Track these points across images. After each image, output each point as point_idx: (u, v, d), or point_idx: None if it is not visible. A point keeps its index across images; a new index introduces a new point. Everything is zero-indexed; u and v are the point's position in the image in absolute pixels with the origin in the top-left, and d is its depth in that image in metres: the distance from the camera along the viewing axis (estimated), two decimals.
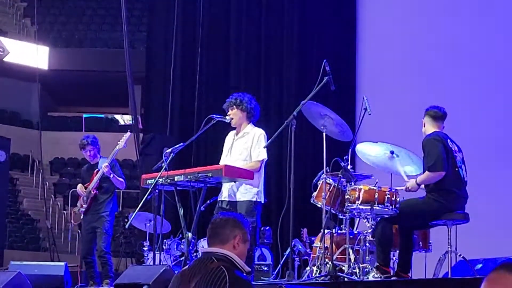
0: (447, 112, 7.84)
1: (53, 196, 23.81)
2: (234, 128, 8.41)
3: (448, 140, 7.63)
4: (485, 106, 12.06)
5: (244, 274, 4.21)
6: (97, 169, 9.91)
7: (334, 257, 7.60)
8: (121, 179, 9.80)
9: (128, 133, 10.02)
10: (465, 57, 12.38)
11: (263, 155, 8.12)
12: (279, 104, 14.01)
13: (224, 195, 8.17)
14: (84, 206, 9.90)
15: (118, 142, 9.83)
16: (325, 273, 7.35)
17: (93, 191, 9.82)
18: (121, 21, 14.31)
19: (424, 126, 7.80)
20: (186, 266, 4.48)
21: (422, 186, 7.72)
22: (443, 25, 12.68)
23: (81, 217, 9.97)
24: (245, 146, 8.18)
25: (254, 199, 8.03)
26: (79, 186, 10.09)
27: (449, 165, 7.50)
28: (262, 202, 8.18)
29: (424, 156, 7.63)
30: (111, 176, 9.70)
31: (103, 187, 9.87)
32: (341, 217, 8.19)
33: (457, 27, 12.55)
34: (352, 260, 7.71)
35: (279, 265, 9.73)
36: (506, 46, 12.10)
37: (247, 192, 8.04)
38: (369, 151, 8.27)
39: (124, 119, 28.03)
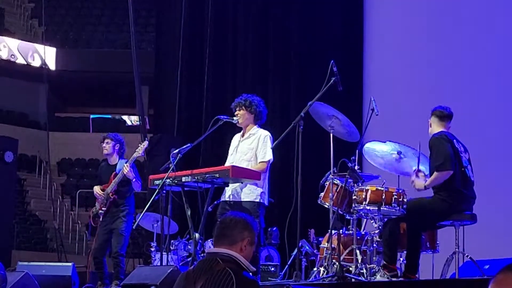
0: (453, 112, 7.84)
1: (60, 196, 23.85)
2: (240, 129, 8.42)
3: (454, 140, 7.63)
4: (494, 106, 12.04)
5: (251, 274, 4.20)
6: (114, 172, 9.88)
7: (341, 258, 7.60)
8: (139, 182, 9.79)
9: (146, 142, 9.98)
10: (474, 57, 12.35)
11: (269, 156, 8.13)
12: (285, 105, 14.01)
13: (227, 195, 8.17)
14: (103, 208, 9.87)
15: (136, 150, 9.79)
16: (332, 274, 7.34)
17: (112, 195, 9.79)
18: (128, 21, 14.35)
19: (431, 126, 7.81)
20: (191, 267, 4.46)
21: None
22: (451, 25, 12.66)
23: (100, 219, 9.93)
24: (250, 146, 8.19)
25: (258, 200, 8.04)
26: (97, 188, 10.02)
27: (456, 165, 7.50)
28: (266, 204, 8.18)
29: (431, 156, 7.62)
30: (133, 180, 9.68)
31: (121, 191, 9.85)
32: (348, 217, 8.19)
33: (465, 27, 12.53)
34: (360, 260, 7.71)
35: (286, 266, 9.72)
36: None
37: (250, 193, 8.05)
38: (377, 150, 8.26)
39: (132, 119, 28.07)
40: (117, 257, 9.70)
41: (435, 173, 7.52)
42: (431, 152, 7.60)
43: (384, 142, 8.22)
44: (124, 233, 9.74)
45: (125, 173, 9.63)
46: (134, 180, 9.68)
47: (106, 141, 10.03)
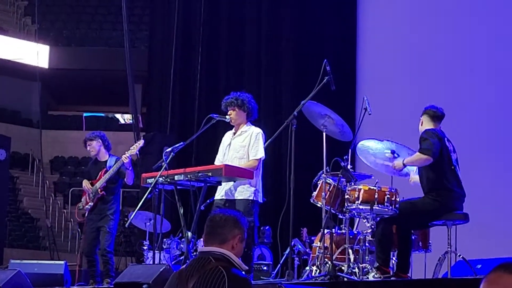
0: (446, 111, 7.85)
1: (53, 195, 23.80)
2: (232, 127, 8.40)
3: (445, 139, 7.64)
4: (485, 106, 12.06)
5: (243, 272, 4.20)
6: (105, 168, 9.86)
7: (334, 257, 7.60)
8: (133, 174, 9.77)
9: (142, 141, 9.92)
10: (466, 57, 12.38)
11: (261, 153, 8.09)
12: (278, 103, 14.02)
13: (221, 193, 8.15)
14: (90, 204, 9.86)
15: (130, 148, 9.75)
16: (325, 273, 7.35)
17: (100, 191, 9.77)
18: (122, 20, 14.33)
19: (421, 124, 7.82)
20: (184, 266, 4.46)
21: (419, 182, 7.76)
22: (443, 24, 12.68)
23: (86, 215, 9.93)
24: (243, 144, 8.17)
25: (252, 198, 8.01)
26: (85, 182, 10.02)
27: (445, 163, 7.51)
28: (260, 201, 8.17)
29: (419, 143, 7.63)
30: (130, 168, 9.65)
31: (109, 187, 9.83)
32: (341, 217, 8.19)
33: (458, 27, 12.55)
34: (352, 260, 7.71)
35: (279, 265, 9.74)
36: (506, 47, 12.09)
37: (244, 191, 8.02)
38: (371, 147, 8.24)
39: (125, 118, 28.04)
40: (105, 254, 9.70)
41: (417, 153, 7.55)
42: (420, 140, 7.61)
43: (381, 141, 8.21)
44: (112, 231, 9.74)
45: (125, 162, 9.59)
46: (130, 169, 9.65)
47: (88, 143, 9.98)
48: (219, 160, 8.29)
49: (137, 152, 9.83)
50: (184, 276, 4.21)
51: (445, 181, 7.49)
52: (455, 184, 7.55)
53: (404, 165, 7.65)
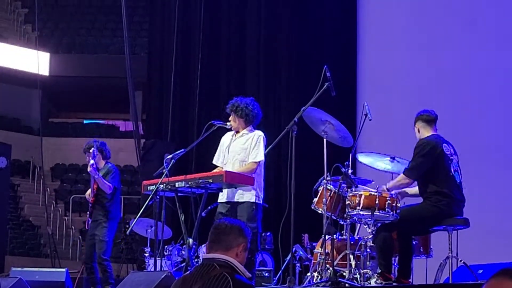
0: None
1: (54, 202, 23.80)
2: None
3: (444, 144, 7.63)
4: (486, 109, 12.06)
5: (247, 279, 4.22)
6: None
7: (335, 263, 7.60)
8: (108, 184, 9.71)
9: (93, 149, 9.83)
10: (467, 60, 12.37)
11: (260, 156, 8.05)
12: (278, 109, 14.02)
13: (224, 197, 8.14)
14: (88, 212, 9.94)
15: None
16: (326, 279, 7.35)
17: (92, 200, 9.82)
18: (122, 26, 14.33)
19: (419, 132, 7.79)
20: (188, 272, 4.46)
21: (416, 190, 7.75)
22: (445, 29, 12.68)
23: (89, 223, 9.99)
24: (244, 146, 8.14)
25: (254, 200, 8.00)
26: (88, 191, 10.05)
27: (443, 170, 7.50)
28: (262, 204, 8.15)
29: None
30: (96, 177, 9.64)
31: (98, 196, 9.84)
32: (342, 223, 8.19)
33: (460, 29, 12.55)
34: (353, 265, 7.71)
35: (280, 271, 9.73)
36: (505, 50, 12.10)
37: (246, 194, 8.00)
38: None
39: (125, 125, 28.04)
40: (101, 262, 9.72)
41: (401, 174, 7.58)
42: (414, 151, 7.62)
43: (382, 155, 8.21)
44: (106, 239, 9.74)
45: (88, 171, 9.64)
46: (97, 177, 9.63)
47: (86, 154, 9.97)
48: (220, 162, 8.28)
49: (93, 160, 9.71)
50: (188, 282, 4.22)
51: (443, 188, 7.48)
52: (453, 190, 7.53)
53: (389, 190, 7.62)
